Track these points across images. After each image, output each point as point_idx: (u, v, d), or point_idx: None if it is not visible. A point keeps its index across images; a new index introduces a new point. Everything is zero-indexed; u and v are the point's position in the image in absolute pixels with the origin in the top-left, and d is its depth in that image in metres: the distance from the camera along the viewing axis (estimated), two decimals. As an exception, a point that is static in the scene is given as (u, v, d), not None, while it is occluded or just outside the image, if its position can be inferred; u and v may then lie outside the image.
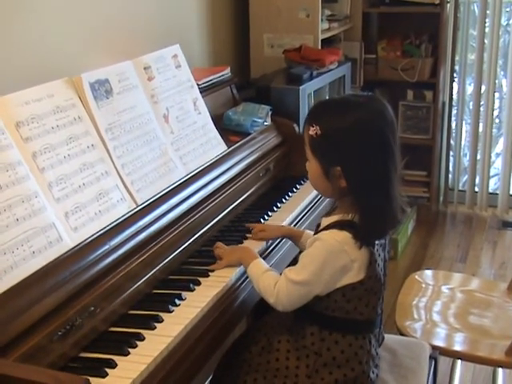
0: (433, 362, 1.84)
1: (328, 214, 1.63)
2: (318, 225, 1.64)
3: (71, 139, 1.59)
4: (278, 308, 1.57)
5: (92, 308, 1.41)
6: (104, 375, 1.29)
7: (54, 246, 1.43)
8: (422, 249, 3.82)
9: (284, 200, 2.17)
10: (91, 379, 1.23)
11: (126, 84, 1.80)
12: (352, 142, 1.49)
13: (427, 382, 1.75)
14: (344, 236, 1.50)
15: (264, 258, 1.79)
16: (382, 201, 1.51)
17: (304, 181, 2.28)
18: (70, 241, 1.47)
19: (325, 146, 1.52)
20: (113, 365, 1.32)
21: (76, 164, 1.57)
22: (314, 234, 1.60)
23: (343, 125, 1.50)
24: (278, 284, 1.56)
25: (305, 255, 1.56)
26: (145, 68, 1.89)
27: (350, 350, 1.56)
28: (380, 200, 1.51)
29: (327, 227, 1.54)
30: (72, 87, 1.65)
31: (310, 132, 1.53)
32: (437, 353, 1.88)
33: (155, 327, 1.45)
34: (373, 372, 1.61)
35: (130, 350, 1.37)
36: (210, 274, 1.68)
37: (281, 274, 1.58)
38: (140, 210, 1.67)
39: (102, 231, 1.54)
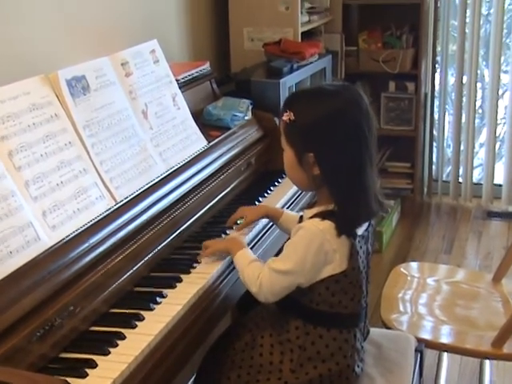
0: (418, 355, 1.82)
1: (310, 206, 1.63)
2: (301, 217, 1.64)
3: (48, 137, 1.56)
4: (260, 298, 1.56)
5: (71, 307, 1.39)
6: (84, 375, 1.27)
7: (32, 246, 1.40)
8: (407, 241, 3.82)
9: (266, 194, 2.16)
10: (71, 380, 1.22)
11: (103, 80, 1.77)
12: (325, 127, 1.50)
13: (413, 375, 1.74)
14: (326, 225, 1.50)
15: (253, 247, 1.78)
16: (354, 190, 1.51)
17: (286, 175, 2.27)
18: (48, 240, 1.44)
19: (298, 132, 1.52)
20: (93, 365, 1.30)
21: (53, 162, 1.55)
22: (297, 226, 1.59)
23: (316, 111, 1.51)
24: (262, 274, 1.55)
25: (288, 244, 1.55)
26: (122, 64, 1.87)
27: (335, 343, 1.55)
28: (352, 189, 1.52)
29: (311, 218, 1.54)
30: (48, 84, 1.62)
31: (284, 117, 1.54)
32: (422, 345, 1.87)
33: (136, 326, 1.43)
34: (358, 366, 1.61)
35: (110, 349, 1.35)
36: (191, 270, 1.66)
37: None
38: (119, 207, 1.65)
39: (80, 229, 1.52)
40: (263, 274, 1.55)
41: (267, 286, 1.54)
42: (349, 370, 1.57)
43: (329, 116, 1.50)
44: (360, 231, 1.56)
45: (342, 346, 1.56)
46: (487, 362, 2.43)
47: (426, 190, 4.26)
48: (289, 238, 1.59)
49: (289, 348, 1.56)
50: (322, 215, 1.52)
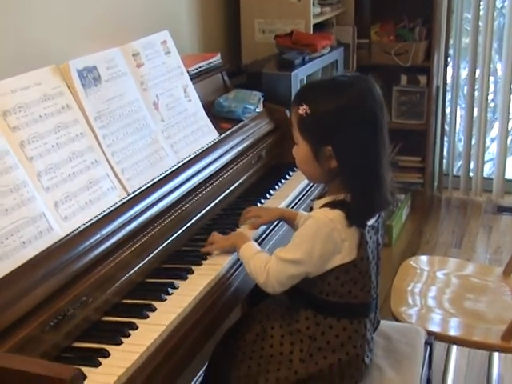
0: (428, 348, 1.83)
1: (319, 197, 1.62)
2: (311, 208, 1.64)
3: (59, 128, 1.56)
4: (268, 289, 1.56)
5: (84, 298, 1.40)
6: (97, 365, 1.28)
7: (45, 236, 1.41)
8: (417, 235, 3.81)
9: (277, 187, 2.16)
10: (84, 369, 1.24)
11: (114, 71, 1.77)
12: (342, 120, 1.49)
13: (422, 367, 1.74)
14: (336, 214, 1.49)
15: (261, 243, 1.78)
16: (372, 180, 1.51)
17: (297, 168, 2.27)
18: (61, 230, 1.45)
19: (315, 125, 1.51)
20: (106, 354, 1.31)
21: (65, 153, 1.55)
22: (307, 216, 1.60)
23: (333, 103, 1.50)
24: (269, 263, 1.55)
25: (297, 234, 1.55)
26: (133, 55, 1.87)
27: (345, 334, 1.55)
28: (370, 179, 1.51)
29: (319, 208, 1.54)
30: (59, 75, 1.63)
31: (300, 111, 1.52)
32: (432, 338, 1.87)
33: (148, 316, 1.44)
34: (367, 356, 1.61)
35: (122, 339, 1.36)
36: (202, 262, 1.67)
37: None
38: (131, 198, 1.65)
39: (92, 220, 1.52)
40: (270, 263, 1.54)
41: (274, 275, 1.53)
42: (358, 360, 1.58)
43: (345, 107, 1.49)
44: (370, 222, 1.56)
45: (351, 336, 1.56)
46: (496, 355, 2.42)
47: (436, 184, 4.24)
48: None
49: (299, 338, 1.56)
50: (332, 205, 1.52)
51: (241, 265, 1.67)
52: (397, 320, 2.03)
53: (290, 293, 1.58)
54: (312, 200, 1.68)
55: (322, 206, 1.53)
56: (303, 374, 1.54)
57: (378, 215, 1.60)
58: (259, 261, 1.57)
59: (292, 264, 1.52)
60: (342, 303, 1.55)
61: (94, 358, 1.29)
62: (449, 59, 4.01)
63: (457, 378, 2.49)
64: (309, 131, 1.53)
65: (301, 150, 1.56)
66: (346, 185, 1.52)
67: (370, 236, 1.55)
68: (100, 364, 1.28)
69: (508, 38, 3.87)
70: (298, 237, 1.54)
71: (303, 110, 1.51)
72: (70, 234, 1.46)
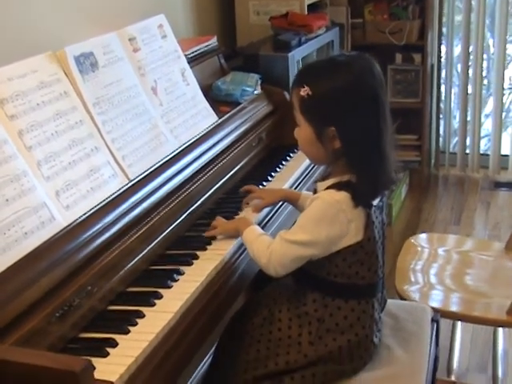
0: (435, 325, 1.82)
1: (323, 179, 1.60)
2: (315, 190, 1.62)
3: (58, 115, 1.54)
4: (270, 271, 1.54)
5: (89, 287, 1.38)
6: (105, 355, 1.26)
7: (47, 226, 1.39)
8: (416, 213, 3.81)
9: (278, 169, 2.14)
10: (93, 359, 1.20)
11: (111, 56, 1.74)
12: (345, 100, 1.47)
13: (430, 345, 1.74)
14: (342, 196, 1.48)
15: (264, 226, 1.77)
16: (376, 159, 1.50)
17: (297, 149, 2.25)
18: (63, 220, 1.43)
19: (317, 107, 1.49)
20: (113, 344, 1.29)
21: (64, 141, 1.53)
22: (312, 198, 1.58)
23: (334, 83, 1.48)
24: (273, 245, 1.53)
25: (302, 215, 1.53)
26: (130, 39, 1.84)
27: (353, 314, 1.54)
28: (374, 158, 1.50)
29: (325, 190, 1.52)
30: (56, 61, 1.60)
31: (301, 93, 1.50)
32: (438, 315, 1.86)
33: (155, 304, 1.43)
34: (376, 336, 1.60)
35: (130, 328, 1.34)
36: (207, 247, 1.65)
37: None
38: (133, 185, 1.63)
39: (95, 209, 1.50)
40: (274, 244, 1.53)
41: (277, 256, 1.51)
42: (367, 341, 1.57)
43: (347, 87, 1.47)
44: (375, 201, 1.54)
45: (360, 317, 1.55)
46: (500, 330, 2.42)
47: (433, 161, 4.23)
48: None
49: (307, 321, 1.55)
50: (338, 186, 1.50)
51: (245, 249, 1.66)
52: (402, 298, 2.02)
53: (297, 275, 1.57)
54: (316, 182, 1.66)
55: (327, 188, 1.51)
56: (313, 356, 1.53)
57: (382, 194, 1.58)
58: (262, 243, 1.56)
59: (298, 246, 1.50)
60: (350, 284, 1.54)
61: (101, 348, 1.28)
62: (442, 37, 3.99)
63: (461, 355, 2.49)
64: (311, 113, 1.51)
65: (303, 131, 1.54)
66: (351, 165, 1.50)
67: (375, 216, 1.54)
68: (108, 354, 1.27)
69: (500, 15, 3.85)
70: (304, 218, 1.52)
71: (305, 91, 1.49)
72: (72, 223, 1.44)
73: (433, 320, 1.83)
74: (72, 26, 1.95)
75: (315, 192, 1.61)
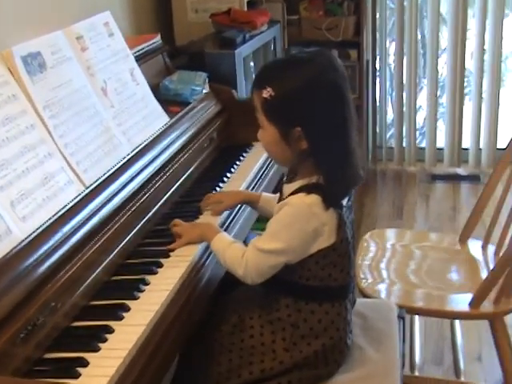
0: (401, 322, 1.81)
1: (289, 180, 1.55)
2: (281, 193, 1.57)
3: (8, 120, 1.43)
4: (247, 280, 1.49)
5: (53, 303, 1.29)
6: (77, 376, 1.18)
7: (4, 240, 1.29)
8: (358, 208, 3.80)
9: (233, 169, 2.08)
10: (63, 381, 1.13)
11: (59, 56, 1.64)
12: (309, 99, 1.42)
13: (399, 342, 1.72)
14: (313, 198, 1.43)
15: (226, 229, 1.71)
16: (344, 157, 1.46)
17: (249, 148, 2.21)
18: (20, 232, 1.33)
19: (281, 108, 1.44)
20: (84, 363, 1.21)
21: (16, 147, 1.42)
22: (278, 202, 1.53)
23: (297, 83, 1.42)
24: (246, 254, 1.47)
25: (273, 222, 1.47)
26: (77, 38, 1.74)
27: (328, 318, 1.50)
28: (341, 156, 1.46)
29: (293, 193, 1.47)
30: (2, 62, 1.49)
31: (264, 95, 1.44)
32: (404, 312, 1.85)
33: (123, 317, 1.35)
34: (349, 338, 1.57)
35: (99, 344, 1.26)
36: (170, 254, 1.58)
37: (247, 246, 1.50)
38: (90, 191, 1.54)
39: (52, 218, 1.41)
40: (248, 254, 1.47)
41: (253, 266, 1.47)
42: (341, 343, 1.53)
43: (310, 85, 1.42)
44: (344, 201, 1.51)
45: (334, 320, 1.51)
46: (457, 322, 2.45)
47: (370, 156, 4.26)
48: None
49: (280, 327, 1.50)
50: (307, 189, 1.45)
51: (211, 253, 1.60)
52: (365, 296, 2.01)
53: (268, 280, 1.51)
54: (282, 183, 1.60)
55: (296, 191, 1.46)
56: (288, 362, 1.48)
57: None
58: (235, 251, 1.50)
59: (271, 254, 1.45)
60: (322, 286, 1.50)
61: (71, 369, 1.19)
62: (377, 33, 4.02)
63: (419, 349, 2.49)
64: (275, 114, 1.45)
65: (267, 133, 1.48)
66: (318, 165, 1.46)
67: (346, 216, 1.50)
68: (80, 375, 1.18)
69: (432, 6, 3.90)
70: (276, 225, 1.46)
71: (267, 92, 1.43)
72: (30, 235, 1.34)
73: (399, 317, 1.81)
74: (12, 25, 1.82)
75: (281, 193, 1.55)
